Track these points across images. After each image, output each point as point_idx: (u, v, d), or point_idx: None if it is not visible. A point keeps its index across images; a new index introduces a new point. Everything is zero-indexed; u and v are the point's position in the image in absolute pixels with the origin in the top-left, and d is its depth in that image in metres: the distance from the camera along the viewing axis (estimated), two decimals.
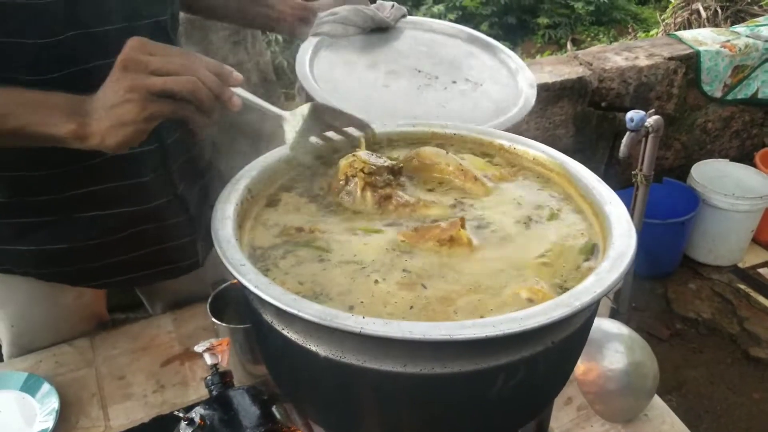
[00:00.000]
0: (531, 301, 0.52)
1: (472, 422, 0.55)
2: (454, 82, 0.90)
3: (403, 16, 1.10)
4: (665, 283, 2.68)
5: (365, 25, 1.04)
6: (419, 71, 0.95)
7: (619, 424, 0.88)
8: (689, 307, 2.56)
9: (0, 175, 0.87)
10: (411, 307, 0.53)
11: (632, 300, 2.39)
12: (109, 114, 0.62)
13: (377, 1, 1.12)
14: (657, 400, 0.91)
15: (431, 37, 1.07)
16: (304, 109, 0.70)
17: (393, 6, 1.10)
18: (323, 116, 0.72)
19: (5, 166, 0.86)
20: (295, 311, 0.46)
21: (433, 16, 4.88)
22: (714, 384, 2.25)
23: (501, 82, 0.96)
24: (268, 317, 0.53)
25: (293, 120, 0.70)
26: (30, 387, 0.93)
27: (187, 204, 1.00)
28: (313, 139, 0.72)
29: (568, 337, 0.53)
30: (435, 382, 0.49)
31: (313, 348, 0.50)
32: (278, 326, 0.52)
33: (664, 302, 2.60)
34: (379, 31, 1.05)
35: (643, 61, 2.50)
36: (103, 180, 0.90)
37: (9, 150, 0.83)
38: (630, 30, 5.18)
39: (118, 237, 0.96)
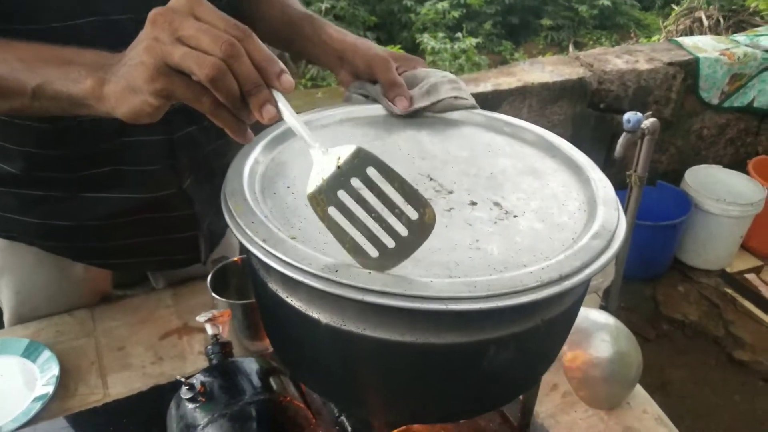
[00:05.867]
0: None
1: (463, 394, 0.58)
2: (474, 203, 0.59)
3: (462, 108, 0.78)
4: (654, 284, 2.73)
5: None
6: (431, 179, 0.63)
7: (602, 411, 0.91)
8: (677, 309, 2.60)
9: (17, 149, 0.89)
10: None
11: (621, 300, 2.44)
12: (125, 74, 0.54)
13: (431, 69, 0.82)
14: (639, 389, 0.94)
15: (493, 139, 0.73)
16: (345, 151, 0.50)
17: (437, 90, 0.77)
18: (365, 169, 0.50)
19: (23, 143, 0.88)
20: (300, 276, 0.48)
21: (437, 12, 4.87)
22: (697, 385, 2.30)
23: (557, 221, 0.59)
24: (273, 285, 0.55)
25: (324, 160, 0.51)
26: (31, 353, 0.95)
27: (191, 199, 1.00)
28: (342, 193, 0.50)
29: (557, 318, 0.56)
30: (430, 352, 0.52)
31: (315, 315, 0.52)
32: (282, 294, 0.54)
33: (652, 303, 2.65)
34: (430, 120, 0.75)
35: (643, 65, 2.54)
36: (111, 163, 0.91)
37: (28, 129, 0.86)
38: (632, 35, 5.22)
39: (122, 221, 0.97)
